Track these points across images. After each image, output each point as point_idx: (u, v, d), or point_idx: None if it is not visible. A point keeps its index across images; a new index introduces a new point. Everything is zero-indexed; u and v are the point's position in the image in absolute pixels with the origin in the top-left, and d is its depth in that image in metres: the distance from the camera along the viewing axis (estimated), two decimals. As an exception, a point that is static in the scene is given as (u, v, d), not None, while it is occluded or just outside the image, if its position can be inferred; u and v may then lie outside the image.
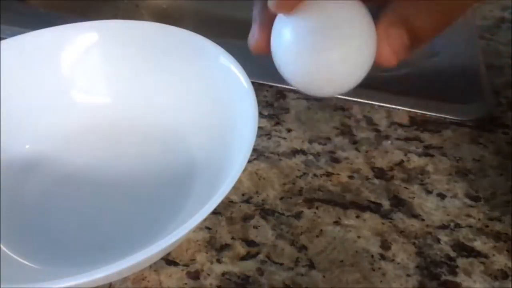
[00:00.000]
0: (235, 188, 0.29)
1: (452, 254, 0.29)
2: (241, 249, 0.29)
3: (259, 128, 0.35)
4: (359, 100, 0.39)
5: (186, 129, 0.34)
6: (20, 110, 0.34)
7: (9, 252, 0.28)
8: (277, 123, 0.37)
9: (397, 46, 0.24)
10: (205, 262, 0.29)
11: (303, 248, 0.29)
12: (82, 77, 0.36)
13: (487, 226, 0.31)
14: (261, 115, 0.38)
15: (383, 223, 0.31)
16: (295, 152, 0.35)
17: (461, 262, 0.29)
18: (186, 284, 0.28)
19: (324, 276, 0.28)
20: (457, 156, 0.35)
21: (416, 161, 0.35)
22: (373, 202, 0.32)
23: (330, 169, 0.34)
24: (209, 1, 0.58)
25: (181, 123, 0.34)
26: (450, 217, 0.31)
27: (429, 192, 0.33)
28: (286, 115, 0.38)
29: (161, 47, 0.35)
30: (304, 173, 0.34)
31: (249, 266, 0.28)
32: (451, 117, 0.38)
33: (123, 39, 0.35)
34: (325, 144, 0.36)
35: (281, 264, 0.29)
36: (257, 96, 0.29)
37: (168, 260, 0.29)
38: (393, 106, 0.39)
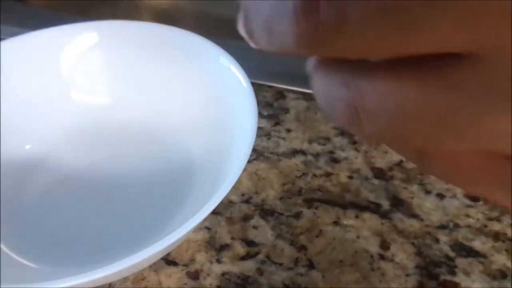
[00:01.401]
0: (234, 188, 0.29)
1: (451, 254, 0.29)
2: (240, 249, 0.29)
3: (259, 128, 0.35)
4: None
5: (186, 129, 0.34)
6: (20, 110, 0.34)
7: (9, 252, 0.28)
8: (277, 123, 0.37)
9: None
10: (204, 262, 0.29)
11: (302, 248, 0.29)
12: (82, 77, 0.36)
13: (486, 226, 0.31)
14: (260, 115, 0.38)
15: (382, 223, 0.31)
16: (294, 152, 0.35)
17: (460, 262, 0.29)
18: (185, 284, 0.28)
19: (323, 276, 0.28)
20: (456, 156, 0.35)
21: (415, 161, 0.35)
22: (373, 202, 0.32)
23: (329, 169, 0.34)
24: (209, 1, 0.58)
25: (181, 123, 0.34)
26: (449, 217, 0.31)
27: (428, 192, 0.33)
28: (286, 115, 0.38)
29: (161, 47, 0.35)
30: (304, 173, 0.34)
31: (249, 266, 0.29)
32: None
33: (123, 39, 0.35)
34: (324, 144, 0.36)
35: (281, 264, 0.29)
36: (256, 96, 0.29)
37: (168, 260, 0.29)
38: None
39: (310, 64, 0.14)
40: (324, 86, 0.13)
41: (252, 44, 0.14)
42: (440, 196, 0.32)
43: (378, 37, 0.10)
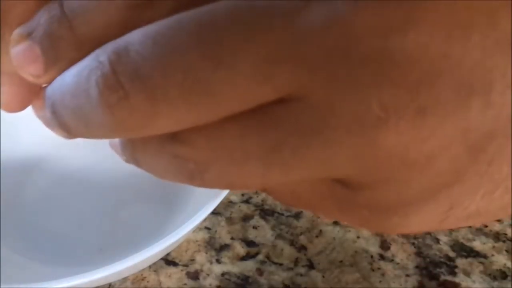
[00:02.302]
0: (234, 188, 0.29)
1: (451, 254, 0.29)
2: (240, 249, 0.29)
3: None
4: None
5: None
6: (20, 110, 0.34)
7: (9, 252, 0.28)
8: (277, 123, 0.37)
9: None
10: (204, 262, 0.29)
11: (302, 248, 0.29)
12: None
13: (486, 226, 0.31)
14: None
15: (382, 223, 0.31)
16: (294, 152, 0.35)
17: (460, 262, 0.29)
18: (185, 284, 0.28)
19: (323, 276, 0.28)
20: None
21: (415, 161, 0.35)
22: (373, 202, 0.32)
23: (329, 169, 0.34)
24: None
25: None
26: (450, 217, 0.31)
27: (428, 192, 0.33)
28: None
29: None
30: (304, 173, 0.34)
31: (249, 266, 0.28)
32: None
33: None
34: (324, 144, 0.36)
35: (281, 264, 0.29)
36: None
37: (168, 260, 0.29)
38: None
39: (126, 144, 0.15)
40: (157, 152, 0.14)
41: (64, 136, 0.13)
42: (440, 196, 0.32)
43: (189, 108, 0.11)
